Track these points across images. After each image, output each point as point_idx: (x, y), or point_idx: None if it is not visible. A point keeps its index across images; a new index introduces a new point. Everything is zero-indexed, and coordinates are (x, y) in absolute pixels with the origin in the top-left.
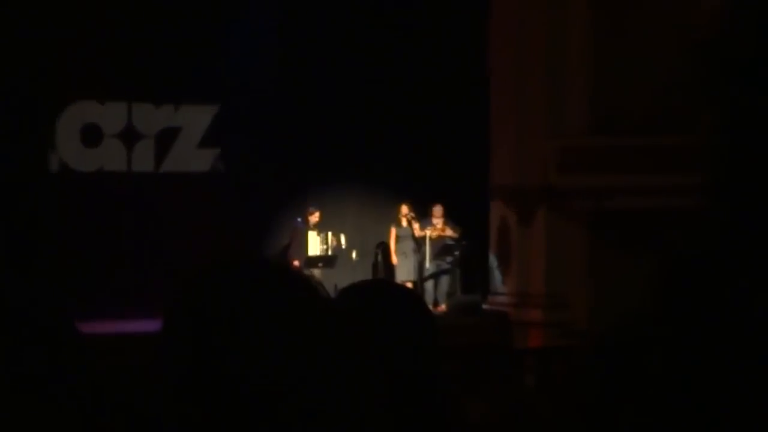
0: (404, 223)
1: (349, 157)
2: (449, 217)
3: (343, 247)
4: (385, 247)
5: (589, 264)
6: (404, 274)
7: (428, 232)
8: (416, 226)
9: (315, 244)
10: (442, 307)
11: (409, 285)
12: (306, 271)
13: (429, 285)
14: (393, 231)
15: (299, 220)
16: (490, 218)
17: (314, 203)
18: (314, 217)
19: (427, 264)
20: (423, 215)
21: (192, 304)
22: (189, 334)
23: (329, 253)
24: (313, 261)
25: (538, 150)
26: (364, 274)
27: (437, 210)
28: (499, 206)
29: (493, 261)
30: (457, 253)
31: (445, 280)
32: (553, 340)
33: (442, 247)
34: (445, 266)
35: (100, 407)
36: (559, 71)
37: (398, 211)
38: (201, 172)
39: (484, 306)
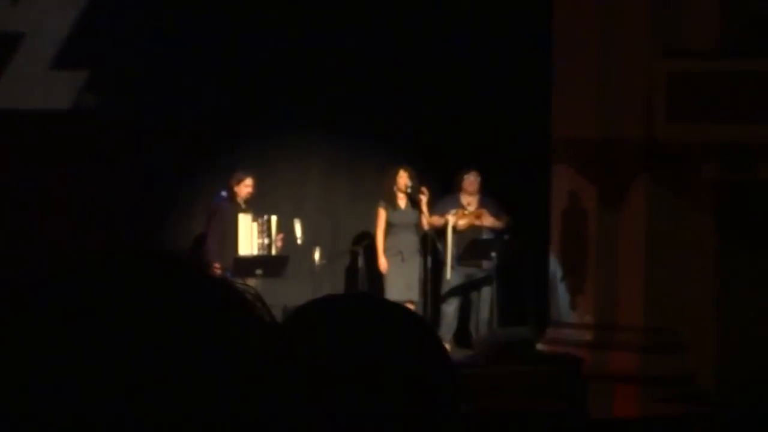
0: (402, 202)
1: (309, 93)
2: (490, 195)
3: (299, 241)
4: (369, 243)
5: (719, 274)
6: (400, 288)
7: (452, 219)
8: (424, 207)
9: (249, 236)
10: (471, 345)
11: (410, 306)
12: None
13: (451, 308)
14: (382, 215)
15: (223, 194)
16: (551, 196)
17: (246, 167)
18: (245, 188)
19: (448, 272)
20: (440, 190)
21: (38, 332)
22: (27, 381)
23: (273, 251)
24: (247, 264)
25: (635, 83)
26: (333, 286)
27: (470, 181)
28: (568, 175)
29: (555, 268)
30: (494, 254)
31: (478, 301)
32: (658, 406)
33: (469, 245)
34: (480, 275)
35: None
36: None
37: (393, 182)
38: (57, 109)
39: (540, 346)
